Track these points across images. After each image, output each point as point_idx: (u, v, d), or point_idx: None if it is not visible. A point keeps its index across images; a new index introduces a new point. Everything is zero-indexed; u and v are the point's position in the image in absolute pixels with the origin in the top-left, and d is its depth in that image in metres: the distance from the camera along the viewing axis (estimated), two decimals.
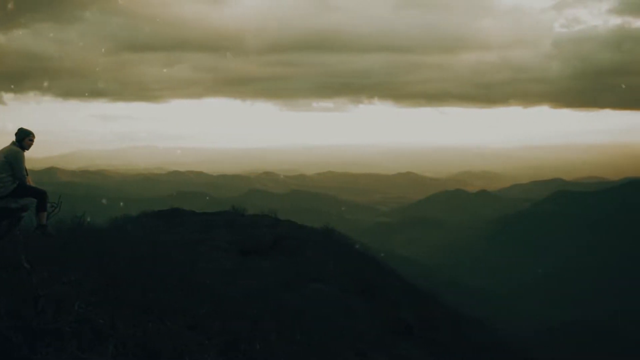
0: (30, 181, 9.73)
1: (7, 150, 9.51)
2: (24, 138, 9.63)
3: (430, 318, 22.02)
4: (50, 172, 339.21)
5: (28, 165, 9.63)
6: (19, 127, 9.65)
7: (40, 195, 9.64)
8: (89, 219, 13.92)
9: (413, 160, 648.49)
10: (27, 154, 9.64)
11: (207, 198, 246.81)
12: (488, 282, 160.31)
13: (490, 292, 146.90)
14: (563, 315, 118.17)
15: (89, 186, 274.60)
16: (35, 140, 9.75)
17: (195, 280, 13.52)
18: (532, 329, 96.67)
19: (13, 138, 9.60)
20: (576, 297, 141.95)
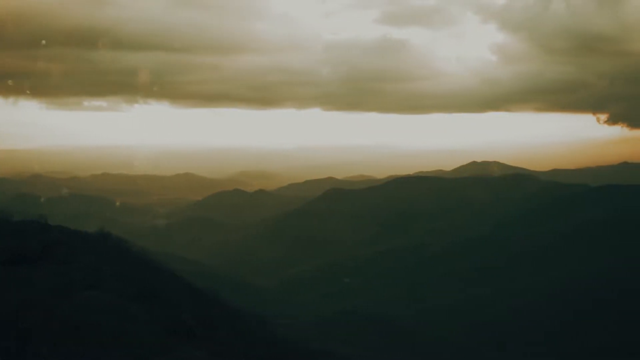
0: None
1: None
2: None
3: (212, 318, 22.21)
4: None
5: None
6: None
7: None
8: None
9: (191, 161, 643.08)
10: None
11: None
12: (268, 279, 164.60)
13: (270, 288, 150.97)
14: (337, 306, 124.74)
15: None
16: None
17: None
18: (309, 320, 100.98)
19: None
20: (349, 288, 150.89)
